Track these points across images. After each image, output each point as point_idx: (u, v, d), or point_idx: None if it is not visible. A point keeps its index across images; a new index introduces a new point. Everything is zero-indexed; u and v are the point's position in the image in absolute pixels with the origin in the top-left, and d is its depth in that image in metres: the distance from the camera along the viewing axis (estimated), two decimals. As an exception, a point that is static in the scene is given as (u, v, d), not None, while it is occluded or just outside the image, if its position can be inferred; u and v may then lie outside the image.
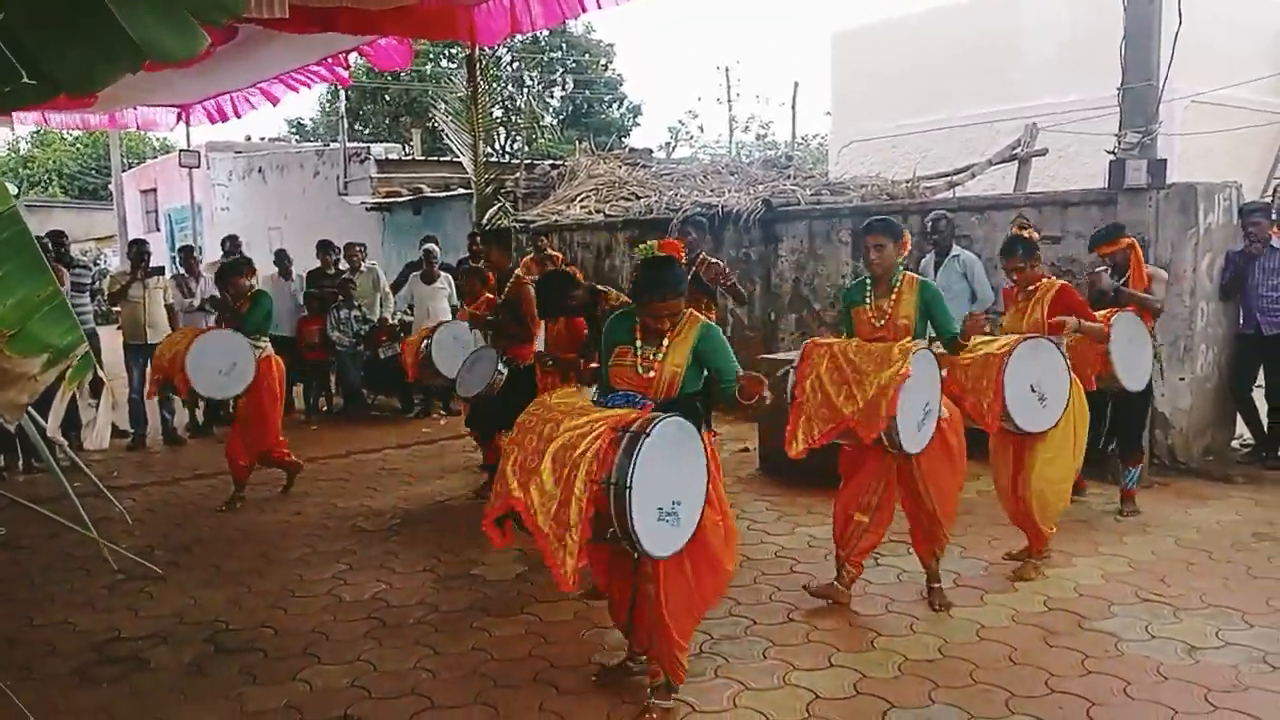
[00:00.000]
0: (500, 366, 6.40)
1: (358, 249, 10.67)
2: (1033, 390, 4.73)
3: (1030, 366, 4.72)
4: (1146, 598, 4.64)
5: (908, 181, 10.12)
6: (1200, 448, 7.05)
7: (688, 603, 3.57)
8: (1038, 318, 5.04)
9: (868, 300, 4.58)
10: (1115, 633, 4.24)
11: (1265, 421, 7.08)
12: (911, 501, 4.58)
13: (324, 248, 10.64)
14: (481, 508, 6.55)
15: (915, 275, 4.57)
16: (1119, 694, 3.70)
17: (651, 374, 3.61)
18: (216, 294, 9.42)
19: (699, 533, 3.40)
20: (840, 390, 4.20)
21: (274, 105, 10.34)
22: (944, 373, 4.48)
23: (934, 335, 4.58)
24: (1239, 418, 7.28)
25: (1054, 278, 5.29)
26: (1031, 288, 5.13)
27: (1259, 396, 7.14)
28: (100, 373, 2.44)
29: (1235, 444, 7.43)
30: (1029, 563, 5.04)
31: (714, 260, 6.80)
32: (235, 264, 7.14)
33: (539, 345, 6.48)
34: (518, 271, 6.51)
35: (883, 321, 4.48)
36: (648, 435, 3.15)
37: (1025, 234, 5.14)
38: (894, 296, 4.49)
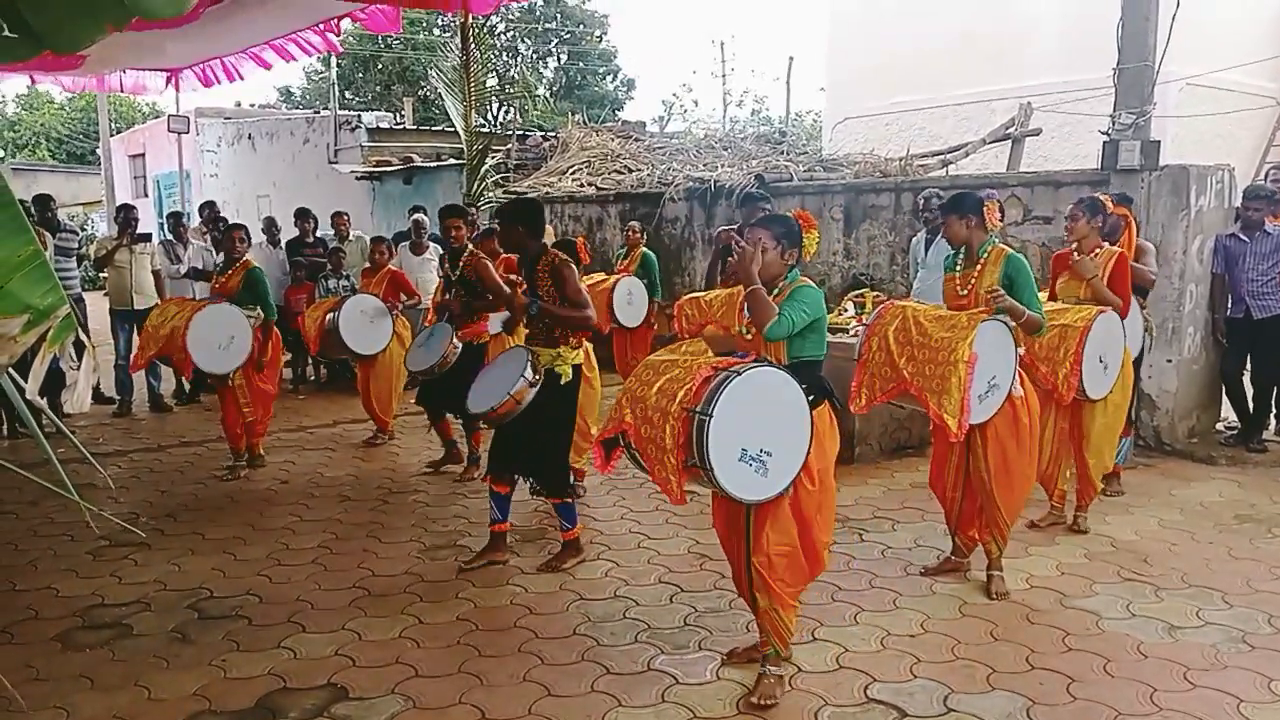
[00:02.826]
0: (455, 342, 6.29)
1: (344, 218, 10.58)
2: (1100, 360, 4.92)
3: (1101, 339, 4.89)
4: (1128, 577, 4.67)
5: (901, 159, 10.08)
6: (1185, 429, 7.08)
7: (794, 564, 3.53)
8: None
9: (958, 268, 4.54)
10: (1096, 611, 4.27)
11: (1251, 405, 7.10)
12: (973, 477, 4.49)
13: (302, 215, 10.56)
14: (448, 483, 6.57)
15: (1004, 248, 4.43)
16: (1099, 671, 3.72)
17: (750, 336, 3.64)
18: (199, 265, 9.40)
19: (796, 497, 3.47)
20: (904, 352, 4.20)
21: (267, 70, 10.19)
22: (1022, 350, 4.40)
23: None
24: (1224, 400, 7.30)
25: (1111, 246, 5.28)
26: (1093, 254, 5.16)
27: (1245, 380, 7.15)
28: (82, 335, 2.40)
29: (1220, 426, 7.46)
30: (1079, 516, 5.33)
31: None
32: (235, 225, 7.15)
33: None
34: (470, 249, 6.36)
35: (966, 291, 4.43)
36: (739, 375, 3.27)
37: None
38: (979, 268, 4.40)
